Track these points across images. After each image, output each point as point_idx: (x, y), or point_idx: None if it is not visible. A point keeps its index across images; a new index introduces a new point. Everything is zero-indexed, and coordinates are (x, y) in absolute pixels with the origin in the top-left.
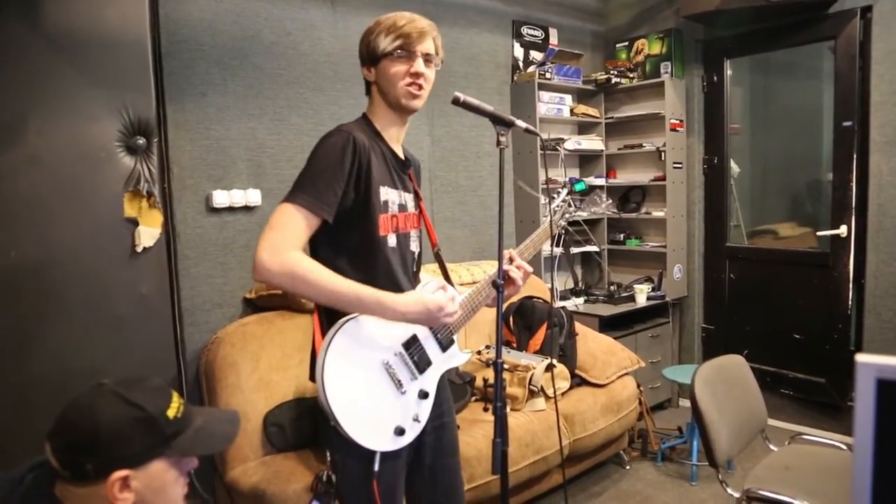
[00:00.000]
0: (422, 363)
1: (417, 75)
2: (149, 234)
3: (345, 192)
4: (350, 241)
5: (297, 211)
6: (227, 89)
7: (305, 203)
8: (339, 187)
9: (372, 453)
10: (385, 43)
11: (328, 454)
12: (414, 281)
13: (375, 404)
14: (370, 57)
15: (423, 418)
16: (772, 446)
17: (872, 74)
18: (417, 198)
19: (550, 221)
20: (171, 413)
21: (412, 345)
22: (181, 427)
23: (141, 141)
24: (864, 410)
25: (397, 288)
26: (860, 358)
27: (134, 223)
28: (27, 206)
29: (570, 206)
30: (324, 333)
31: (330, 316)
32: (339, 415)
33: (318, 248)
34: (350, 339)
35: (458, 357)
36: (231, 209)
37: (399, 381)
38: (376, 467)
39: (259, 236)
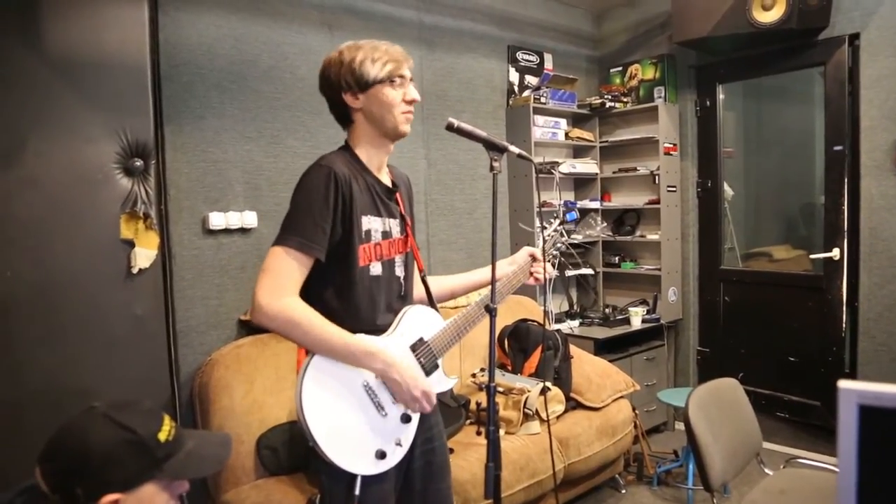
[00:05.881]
0: None
1: (412, 102)
2: (145, 255)
3: (332, 228)
4: (335, 273)
5: (290, 254)
6: (225, 112)
7: (296, 245)
8: (326, 224)
9: (353, 476)
10: (376, 69)
11: (323, 478)
12: (401, 304)
13: (355, 426)
14: (358, 83)
15: (406, 443)
16: (767, 470)
17: (862, 100)
18: (404, 222)
19: (543, 252)
20: (162, 436)
21: None
22: (172, 450)
23: (138, 163)
24: (847, 436)
25: (383, 315)
26: (842, 384)
27: (130, 244)
28: (24, 227)
29: (561, 235)
30: (307, 352)
31: None
32: (318, 435)
33: (306, 281)
34: (330, 358)
35: (443, 382)
36: (227, 231)
37: (379, 403)
38: (357, 491)
39: (256, 277)
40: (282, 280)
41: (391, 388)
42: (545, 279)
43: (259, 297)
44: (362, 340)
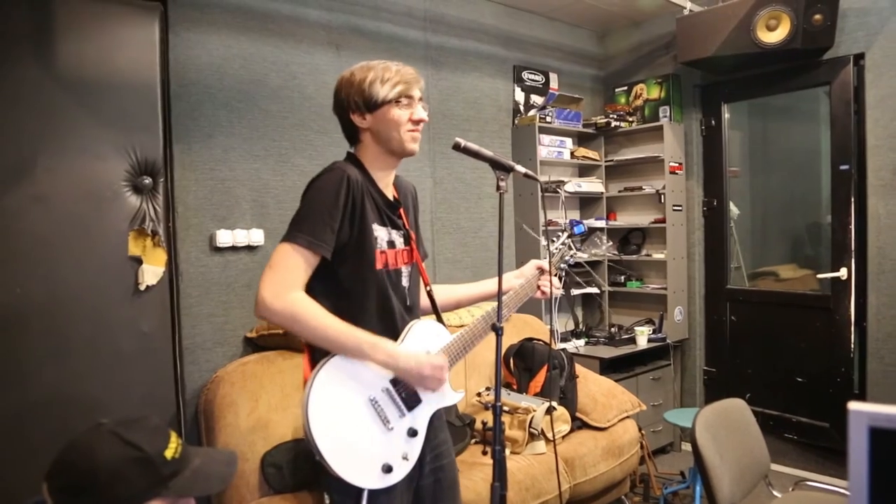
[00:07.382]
0: (410, 400)
1: (419, 122)
2: (152, 272)
3: (340, 228)
4: (345, 275)
5: (296, 251)
6: (234, 131)
7: (304, 242)
8: (335, 224)
9: (360, 491)
10: (385, 90)
11: (325, 497)
12: (407, 313)
13: (360, 440)
14: (367, 104)
15: (413, 457)
16: (775, 492)
17: (867, 119)
18: (409, 235)
19: (549, 264)
20: (168, 453)
21: (400, 381)
22: (179, 468)
23: (147, 181)
24: (858, 459)
25: (392, 320)
26: (853, 406)
27: (138, 261)
28: (33, 243)
29: (570, 248)
30: (313, 367)
31: (321, 350)
32: (324, 449)
33: (314, 281)
34: (336, 372)
35: (450, 396)
36: (234, 249)
37: (385, 417)
38: None
39: (261, 275)
40: (287, 276)
41: (402, 378)
42: (552, 294)
43: (264, 293)
44: (367, 333)
